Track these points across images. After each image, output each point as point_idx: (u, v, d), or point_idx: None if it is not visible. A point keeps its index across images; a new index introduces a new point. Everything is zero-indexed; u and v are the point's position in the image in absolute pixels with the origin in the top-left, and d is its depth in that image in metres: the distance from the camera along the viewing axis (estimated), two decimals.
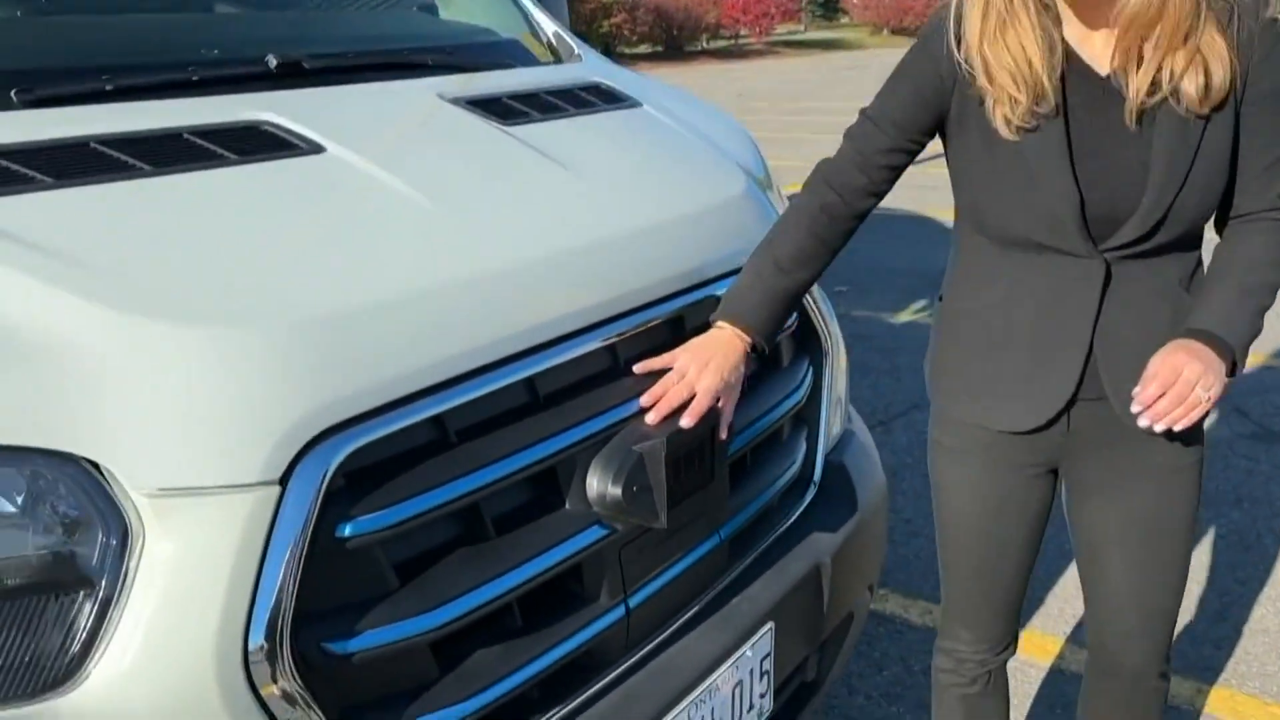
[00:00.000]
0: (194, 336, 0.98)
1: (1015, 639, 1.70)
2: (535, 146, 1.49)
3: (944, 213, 7.11)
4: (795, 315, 1.67)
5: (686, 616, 1.43)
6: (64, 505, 0.93)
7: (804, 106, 13.90)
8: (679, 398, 1.33)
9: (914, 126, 1.40)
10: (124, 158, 1.20)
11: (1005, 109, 1.30)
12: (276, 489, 0.98)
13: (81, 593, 0.93)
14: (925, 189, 8.46)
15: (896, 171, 1.45)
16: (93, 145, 1.22)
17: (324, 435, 1.02)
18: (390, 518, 1.05)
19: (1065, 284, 1.38)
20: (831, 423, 1.78)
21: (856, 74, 19.31)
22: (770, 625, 1.49)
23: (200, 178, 1.20)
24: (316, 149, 1.33)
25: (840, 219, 1.45)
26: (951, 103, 1.37)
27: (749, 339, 1.42)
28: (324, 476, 1.00)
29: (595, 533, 1.24)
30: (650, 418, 1.31)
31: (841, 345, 1.85)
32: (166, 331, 0.98)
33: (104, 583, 0.94)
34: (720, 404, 1.37)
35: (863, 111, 1.45)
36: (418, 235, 1.21)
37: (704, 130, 1.88)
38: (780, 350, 1.68)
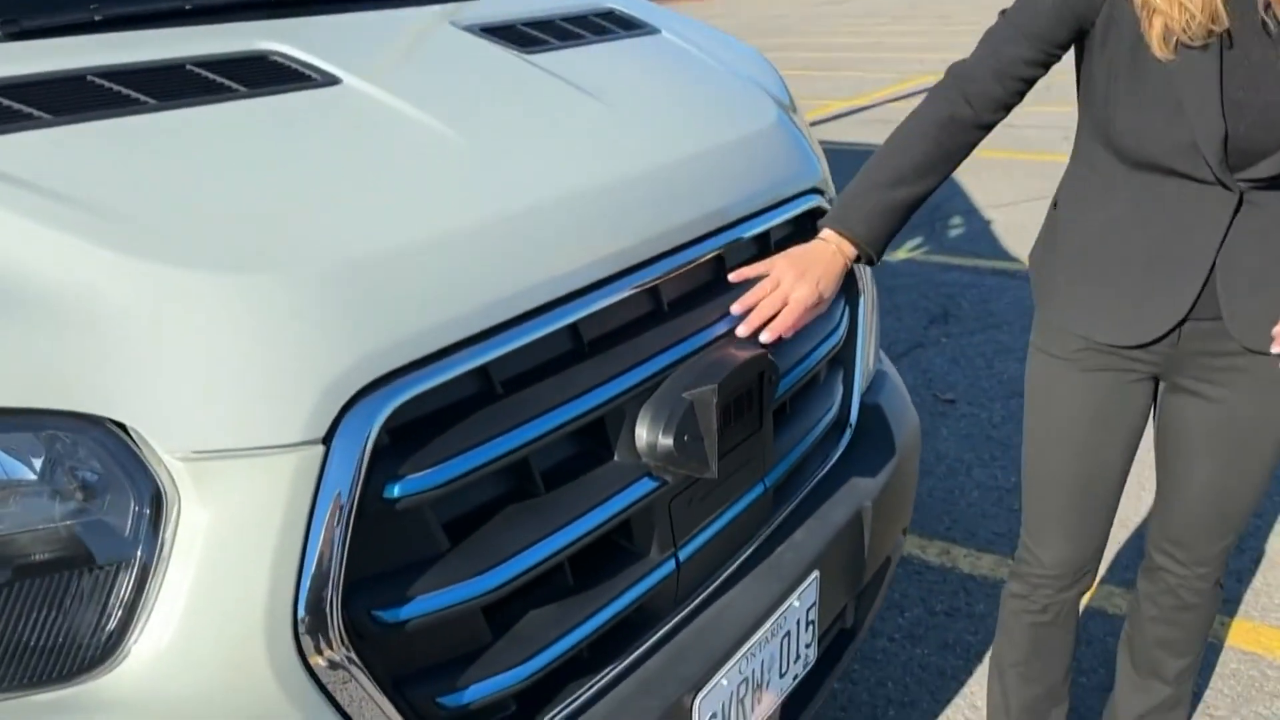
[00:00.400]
0: (224, 285, 0.90)
1: (1095, 569, 1.68)
2: (561, 76, 1.40)
3: None
4: None
5: (733, 568, 1.38)
6: (89, 471, 0.85)
7: (787, 43, 13.66)
8: (771, 308, 1.29)
9: (1054, 39, 1.35)
10: (125, 91, 1.10)
11: (1176, 23, 1.24)
12: (320, 449, 0.90)
13: (115, 566, 0.86)
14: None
15: (1029, 84, 1.40)
16: (90, 78, 1.11)
17: (367, 389, 0.94)
18: (440, 476, 0.98)
19: (1193, 208, 1.35)
20: (867, 363, 1.72)
21: (836, 9, 18.98)
22: (816, 574, 1.44)
23: (210, 112, 1.11)
24: (331, 80, 1.23)
25: (968, 129, 1.41)
26: (1099, 14, 1.31)
27: (855, 251, 1.39)
28: (370, 434, 0.93)
29: (646, 485, 1.18)
30: (741, 329, 1.27)
31: (872, 281, 1.78)
32: (194, 280, 0.89)
33: (139, 554, 0.86)
34: (784, 332, 1.33)
35: (1003, 14, 1.39)
36: (451, 172, 1.12)
37: (725, 58, 1.79)
38: None
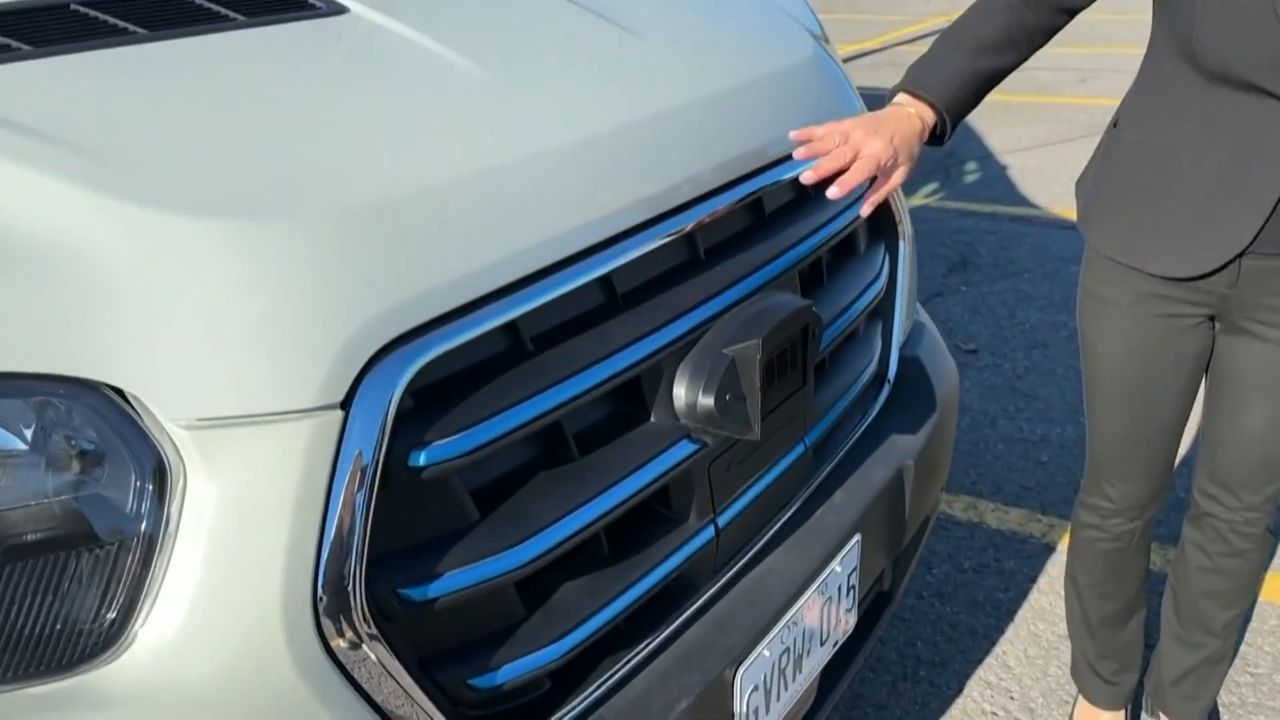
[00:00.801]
0: (229, 234, 0.81)
1: (1164, 496, 1.65)
2: (587, 6, 1.29)
3: None
4: None
5: (772, 532, 1.30)
6: (85, 441, 0.77)
7: None
8: (841, 160, 1.17)
9: None
10: (113, 20, 1.00)
11: None
12: (339, 414, 0.82)
13: (115, 544, 0.78)
14: None
15: None
16: (74, 6, 1.01)
17: (389, 348, 0.85)
18: (469, 441, 0.89)
19: (1268, 131, 1.27)
20: (905, 314, 1.63)
21: None
22: (857, 537, 1.37)
23: (206, 43, 1.01)
24: (338, 9, 1.13)
25: (1050, 9, 1.35)
26: None
27: (933, 117, 1.31)
28: (393, 397, 0.84)
29: (685, 448, 1.10)
30: (807, 175, 1.16)
31: (910, 227, 1.69)
32: (195, 228, 0.80)
33: (142, 531, 0.78)
34: (871, 190, 1.24)
35: None
36: (472, 108, 1.02)
37: None
38: (857, 235, 1.51)
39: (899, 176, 1.26)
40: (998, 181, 5.09)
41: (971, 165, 5.37)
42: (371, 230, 0.86)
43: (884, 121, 1.25)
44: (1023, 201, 4.80)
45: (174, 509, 0.79)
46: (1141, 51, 1.48)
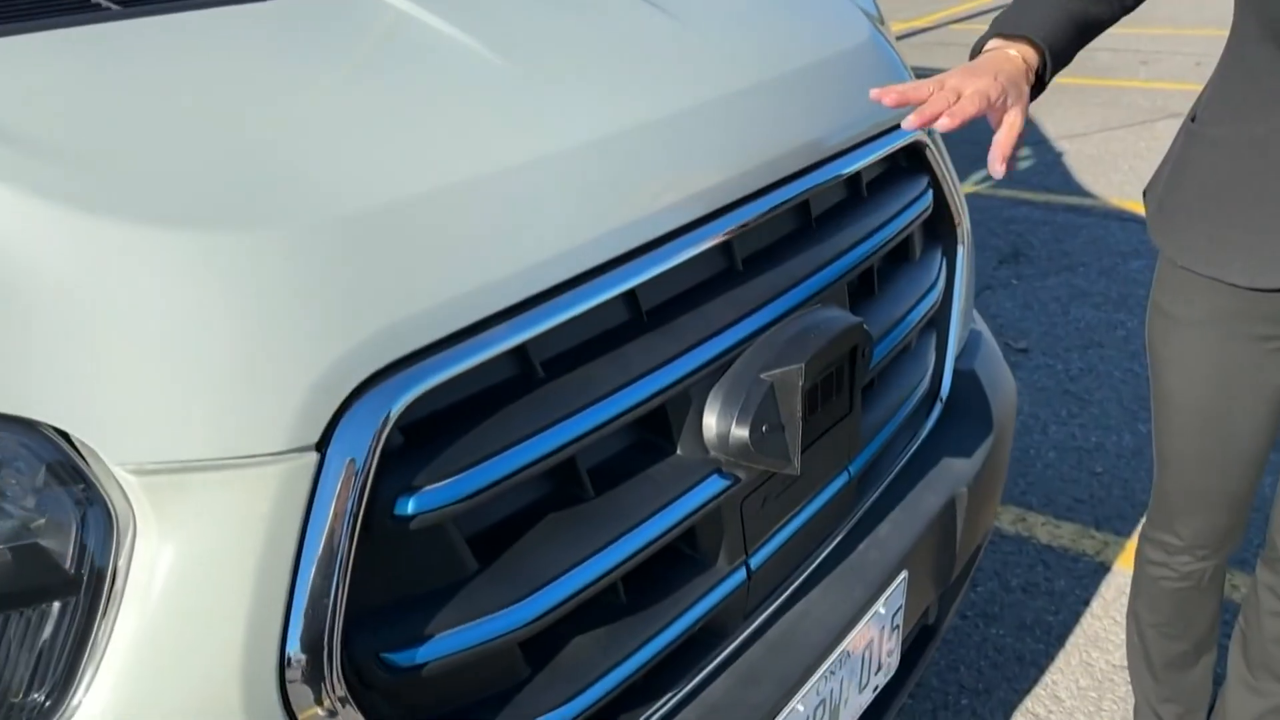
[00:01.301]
0: (190, 248, 0.69)
1: (1239, 535, 1.50)
2: None
3: None
4: (930, 197, 1.36)
5: (810, 570, 1.18)
6: (21, 487, 0.67)
7: None
8: (943, 102, 1.03)
9: None
10: None
11: None
12: (313, 457, 0.71)
13: (55, 604, 0.68)
14: (969, 48, 7.92)
15: None
16: None
17: (375, 378, 0.74)
18: (467, 485, 0.78)
19: None
20: (962, 325, 1.49)
21: None
22: (904, 575, 1.24)
23: (185, 21, 0.89)
24: None
25: None
26: None
27: (1033, 56, 1.17)
28: (377, 436, 0.73)
29: (715, 484, 0.98)
30: (910, 121, 1.02)
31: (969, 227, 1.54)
32: (151, 241, 0.69)
33: (84, 588, 0.68)
34: (1001, 129, 1.09)
35: None
36: (484, 101, 0.90)
37: None
38: (912, 240, 1.37)
39: (1015, 119, 1.10)
40: (1052, 169, 4.88)
41: (1025, 151, 5.16)
42: (358, 243, 0.75)
43: (982, 64, 1.13)
44: (1079, 190, 4.59)
45: (121, 564, 0.68)
46: (1208, 34, 1.33)
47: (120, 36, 0.84)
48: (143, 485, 0.67)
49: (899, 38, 8.37)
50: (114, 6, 0.88)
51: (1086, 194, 4.54)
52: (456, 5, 1.01)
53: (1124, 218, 4.25)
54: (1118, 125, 5.43)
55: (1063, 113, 5.71)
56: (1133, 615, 1.65)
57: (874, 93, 1.03)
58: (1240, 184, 1.25)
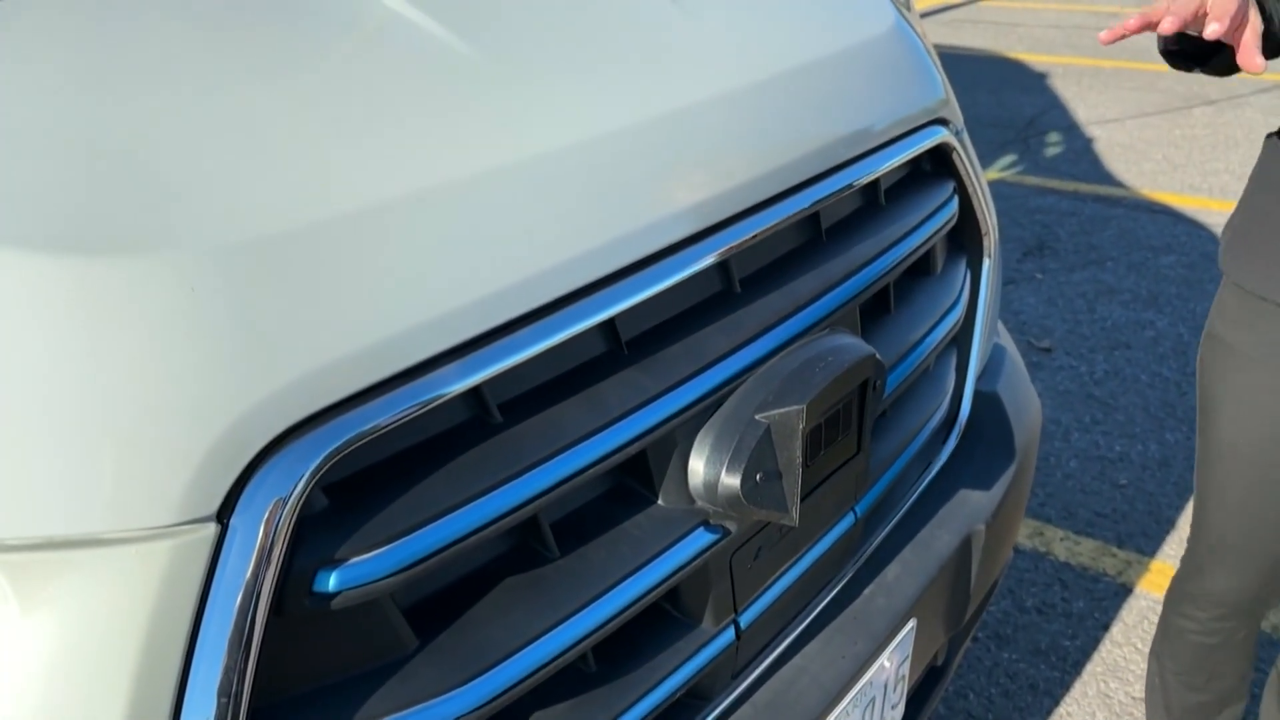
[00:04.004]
0: (63, 276, 0.58)
1: (1275, 600, 1.38)
2: None
3: (1026, 54, 6.41)
4: (955, 205, 1.23)
5: (809, 620, 1.07)
6: None
7: None
8: (1190, 5, 0.97)
9: None
10: None
11: None
12: (212, 529, 0.60)
13: None
14: (1004, 26, 7.67)
15: None
16: None
17: (291, 432, 0.63)
18: (402, 555, 0.67)
19: None
20: (985, 343, 1.37)
21: None
22: (912, 623, 1.13)
23: None
24: None
25: None
26: None
27: None
28: (294, 502, 0.62)
29: (700, 539, 0.86)
30: (1168, 24, 0.97)
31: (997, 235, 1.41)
32: (14, 267, 0.57)
33: None
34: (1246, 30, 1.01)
35: None
36: (444, 97, 0.78)
37: None
38: (933, 253, 1.25)
39: (1254, 18, 1.02)
40: (1082, 156, 4.71)
41: (1054, 137, 4.98)
42: (273, 270, 0.63)
43: None
44: (1109, 180, 4.42)
45: None
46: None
47: (22, 11, 0.72)
48: (10, 563, 0.56)
49: (927, 14, 8.14)
50: None
51: (1117, 184, 4.37)
52: None
53: (1155, 210, 4.08)
54: (1152, 111, 5.24)
55: (1095, 97, 5.52)
56: (1155, 656, 1.54)
57: (1102, 37, 1.02)
58: None
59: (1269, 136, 1.24)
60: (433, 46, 0.80)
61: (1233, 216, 1.28)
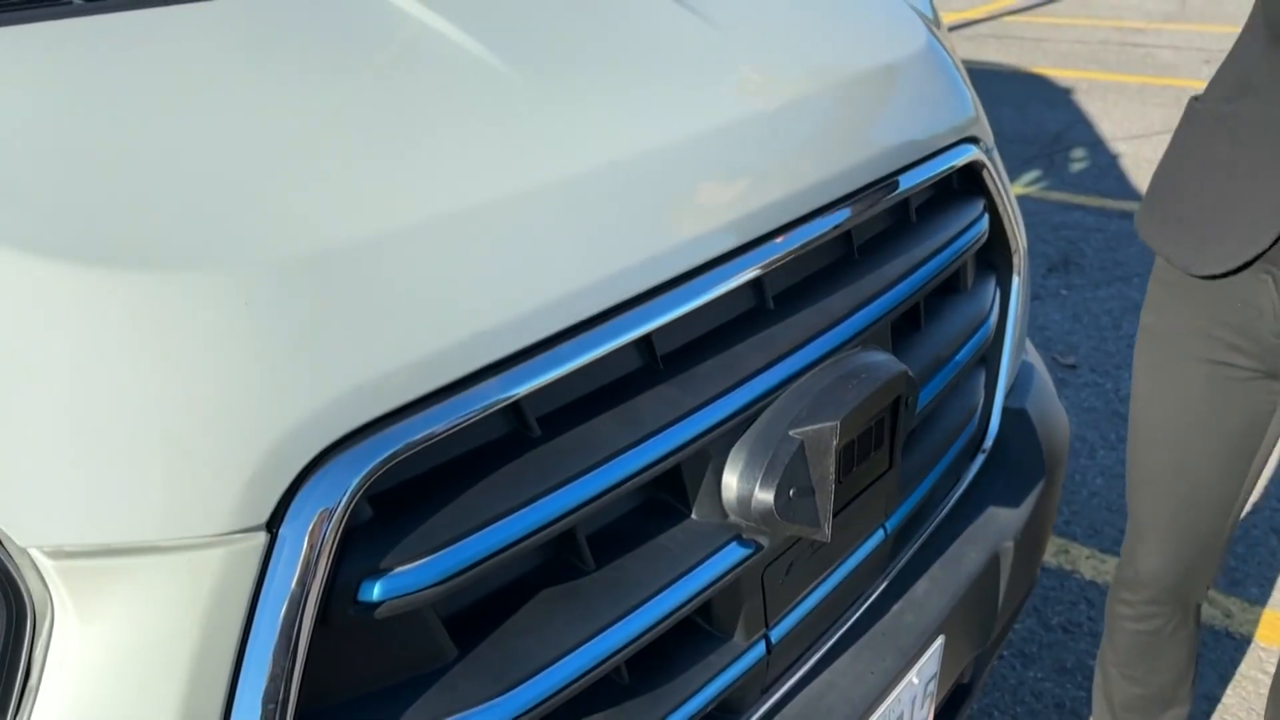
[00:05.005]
0: (122, 292, 0.60)
1: (1204, 589, 1.42)
2: None
3: (1051, 69, 6.39)
4: (985, 223, 1.24)
5: (838, 634, 1.07)
6: None
7: None
8: None
9: None
10: None
11: None
12: (262, 538, 0.61)
13: None
14: (1029, 41, 7.66)
15: None
16: None
17: (339, 445, 0.64)
18: (444, 565, 0.68)
19: None
20: (1013, 360, 1.37)
21: None
22: (941, 639, 1.13)
23: (154, 19, 0.79)
24: None
25: None
26: None
27: None
28: (339, 512, 0.63)
29: (733, 553, 0.87)
30: None
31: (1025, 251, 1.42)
32: (78, 287, 0.59)
33: None
34: None
35: None
36: (485, 117, 0.80)
37: None
38: (963, 270, 1.25)
39: None
40: (1107, 172, 4.69)
41: (1079, 152, 4.96)
42: (324, 287, 0.65)
43: None
44: (1134, 196, 4.40)
45: (36, 657, 0.59)
46: None
47: (81, 37, 0.75)
48: (60, 569, 0.58)
49: (951, 29, 8.15)
50: (76, 0, 0.79)
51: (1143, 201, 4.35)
52: (462, 4, 0.91)
53: None
54: None
55: (1120, 113, 5.50)
56: (1101, 651, 1.58)
57: None
58: (1200, 162, 1.21)
59: (1190, 99, 1.28)
60: (475, 67, 0.82)
61: (1152, 178, 1.33)
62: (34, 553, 0.58)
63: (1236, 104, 1.18)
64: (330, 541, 0.63)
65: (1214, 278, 1.20)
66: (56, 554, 0.58)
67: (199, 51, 0.76)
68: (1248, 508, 2.29)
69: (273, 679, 0.62)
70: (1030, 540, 1.29)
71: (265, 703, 0.62)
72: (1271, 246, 1.15)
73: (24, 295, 0.58)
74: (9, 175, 0.62)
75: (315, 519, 0.62)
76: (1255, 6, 1.20)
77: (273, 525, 0.62)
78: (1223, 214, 1.19)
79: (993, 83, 6.08)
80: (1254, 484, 1.34)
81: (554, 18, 0.93)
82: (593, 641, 0.77)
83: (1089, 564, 2.26)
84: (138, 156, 0.65)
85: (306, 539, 0.62)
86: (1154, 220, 1.30)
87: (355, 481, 0.64)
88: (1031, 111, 5.63)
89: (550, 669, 0.75)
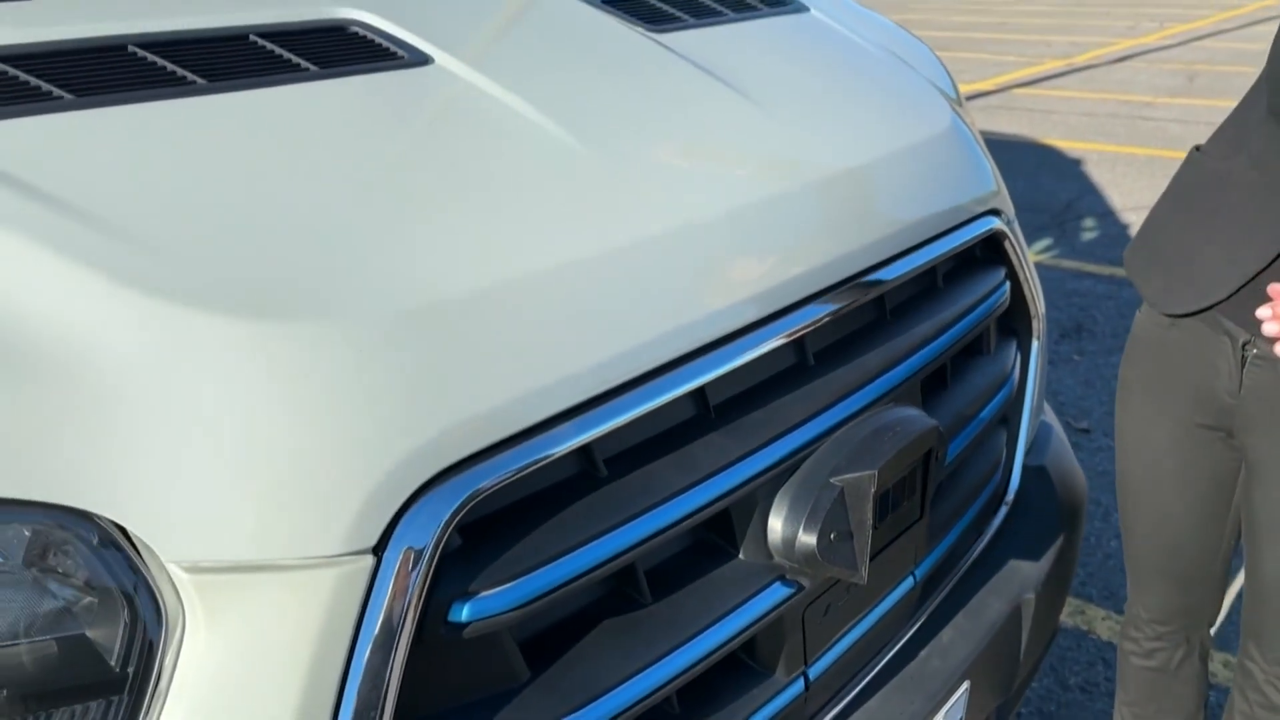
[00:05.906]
0: (258, 340, 0.68)
1: (1205, 628, 1.49)
2: (699, 64, 1.14)
3: (1061, 140, 6.54)
4: (1006, 290, 1.32)
5: (870, 677, 1.13)
6: (74, 579, 0.65)
7: (903, 20, 13.06)
8: None
9: None
10: (170, 66, 0.89)
11: None
12: (369, 561, 0.68)
13: (97, 701, 0.65)
14: (1038, 113, 7.83)
15: None
16: (131, 48, 0.91)
17: (435, 478, 0.72)
18: (525, 591, 0.75)
19: None
20: (1033, 419, 1.44)
21: None
22: (966, 685, 1.18)
23: (270, 97, 0.89)
24: (421, 59, 1.00)
25: None
26: None
27: None
28: (437, 540, 0.70)
29: (778, 592, 0.94)
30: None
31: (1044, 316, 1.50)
32: (218, 331, 0.67)
33: (129, 684, 0.66)
34: None
35: None
36: (559, 188, 0.89)
37: (881, 43, 1.51)
38: (986, 333, 1.33)
39: None
40: (1118, 241, 4.79)
41: (1090, 222, 5.08)
42: (424, 337, 0.73)
43: None
44: None
45: (168, 661, 0.66)
46: None
47: (205, 112, 0.84)
48: (195, 583, 0.65)
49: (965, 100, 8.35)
50: (201, 80, 0.88)
51: None
52: (537, 87, 1.00)
53: None
54: None
55: (1130, 184, 5.62)
56: (1116, 691, 1.63)
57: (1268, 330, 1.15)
58: (1188, 209, 1.29)
59: (1193, 148, 1.36)
60: (555, 146, 0.91)
61: (1144, 223, 1.41)
62: (172, 567, 0.65)
63: (1230, 161, 1.27)
64: (427, 566, 0.70)
65: (1181, 320, 1.29)
66: (193, 569, 0.65)
67: (321, 126, 0.85)
68: None
69: (374, 689, 0.69)
70: (1050, 592, 1.35)
71: (366, 710, 0.68)
72: (1229, 298, 1.23)
73: (180, 339, 0.66)
74: (171, 238, 0.71)
75: (416, 545, 0.70)
76: (1262, 73, 1.28)
77: (378, 549, 0.69)
78: (1195, 260, 1.27)
79: (1005, 153, 6.22)
80: (1236, 529, 1.40)
81: (621, 100, 1.02)
82: (650, 670, 0.84)
83: (1105, 625, 2.30)
84: (275, 225, 0.74)
85: (410, 563, 0.69)
86: (1138, 256, 1.38)
87: (449, 512, 0.71)
88: (1042, 181, 5.76)
89: (612, 693, 0.81)
